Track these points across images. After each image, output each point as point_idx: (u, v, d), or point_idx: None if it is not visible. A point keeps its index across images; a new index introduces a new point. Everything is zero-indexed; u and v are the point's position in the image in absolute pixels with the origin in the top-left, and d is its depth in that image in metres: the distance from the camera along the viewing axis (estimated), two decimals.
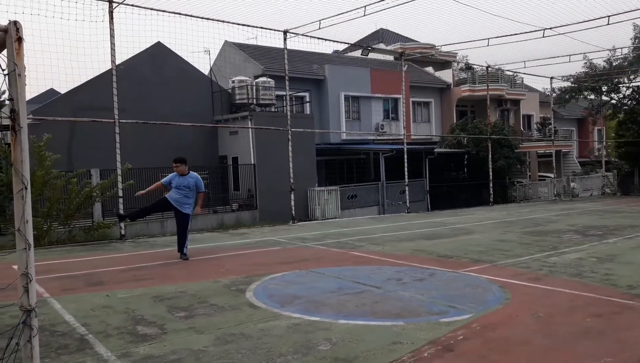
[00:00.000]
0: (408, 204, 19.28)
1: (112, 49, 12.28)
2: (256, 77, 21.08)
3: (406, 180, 19.36)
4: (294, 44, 22.25)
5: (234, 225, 15.80)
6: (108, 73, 12.93)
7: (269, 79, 20.14)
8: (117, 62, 12.66)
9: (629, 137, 25.38)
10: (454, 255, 8.93)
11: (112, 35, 12.25)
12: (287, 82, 16.18)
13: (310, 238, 11.68)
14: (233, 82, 20.04)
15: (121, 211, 11.79)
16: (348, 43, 23.06)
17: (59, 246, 11.16)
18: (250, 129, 18.16)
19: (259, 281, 6.91)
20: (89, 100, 16.26)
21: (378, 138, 25.40)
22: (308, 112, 23.25)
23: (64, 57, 12.27)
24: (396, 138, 24.02)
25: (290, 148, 15.83)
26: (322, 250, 9.88)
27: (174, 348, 4.33)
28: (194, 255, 9.52)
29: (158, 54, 18.94)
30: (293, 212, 15.69)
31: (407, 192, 19.41)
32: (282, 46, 16.04)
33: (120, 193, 12.37)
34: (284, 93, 17.01)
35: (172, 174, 8.98)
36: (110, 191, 12.78)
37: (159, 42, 18.86)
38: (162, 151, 17.67)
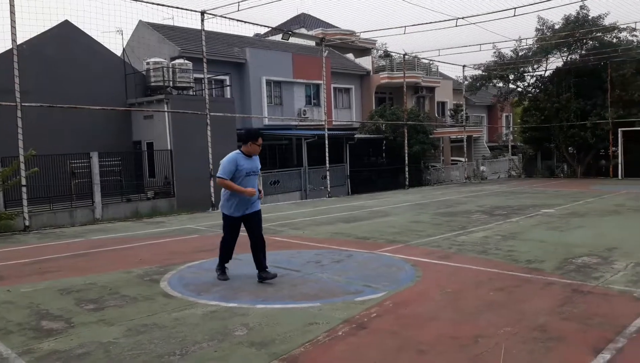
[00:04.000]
0: (329, 189, 19.56)
1: (13, 27, 11.37)
2: (173, 59, 20.28)
3: (327, 165, 19.60)
4: (213, 25, 21.62)
5: (150, 214, 15.24)
6: (9, 53, 11.92)
7: (186, 62, 19.47)
8: (19, 41, 11.71)
9: (533, 123, 27.20)
10: (371, 236, 9.19)
11: (12, 12, 11.33)
12: (205, 65, 15.74)
13: None
14: (148, 64, 19.16)
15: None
16: (268, 26, 22.87)
17: None
18: (166, 113, 17.50)
19: (175, 271, 6.73)
20: None
21: (301, 123, 25.45)
22: (228, 96, 22.79)
23: None
24: (318, 123, 24.18)
25: (209, 133, 15.47)
26: (242, 237, 9.75)
27: (82, 342, 4.13)
28: (104, 245, 9.08)
29: (66, 33, 17.68)
30: (213, 199, 15.40)
31: (328, 177, 19.67)
32: (200, 27, 15.56)
33: (24, 181, 11.53)
34: (202, 76, 16.53)
35: (232, 156, 5.88)
36: (12, 180, 11.86)
37: (66, 21, 17.61)
38: (71, 136, 16.65)
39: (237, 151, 5.99)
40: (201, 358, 3.76)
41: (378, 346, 3.94)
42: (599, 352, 3.70)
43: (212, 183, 15.40)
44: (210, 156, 15.31)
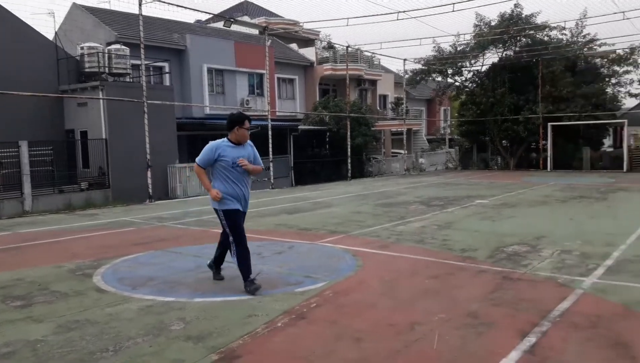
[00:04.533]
0: (272, 181, 19.46)
1: None
2: (109, 44, 19.42)
3: (271, 157, 19.48)
4: (152, 10, 20.86)
5: (83, 206, 14.60)
6: None
7: (123, 47, 18.68)
8: None
9: (469, 117, 28.21)
10: (313, 227, 9.24)
11: None
12: (142, 51, 15.19)
13: (168, 217, 11.25)
14: (82, 48, 18.22)
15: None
16: (210, 13, 22.31)
17: None
18: (101, 101, 16.75)
19: (109, 265, 6.49)
20: None
21: (244, 113, 25.09)
22: (168, 83, 22.11)
23: None
24: (262, 113, 23.92)
25: (146, 122, 14.97)
26: (181, 229, 9.57)
27: (7, 341, 3.92)
28: (33, 239, 8.63)
29: None
30: (150, 190, 14.96)
31: (271, 168, 19.56)
32: (138, 12, 14.98)
33: None
34: (139, 62, 15.94)
35: (214, 143, 5.19)
36: None
37: None
38: None
39: (223, 138, 5.28)
40: (135, 354, 3.65)
41: (317, 335, 3.98)
42: (525, 335, 3.90)
43: (149, 174, 14.95)
44: (147, 145, 14.84)
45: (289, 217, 10.78)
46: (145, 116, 15.00)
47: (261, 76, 25.21)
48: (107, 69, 18.01)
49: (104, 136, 16.77)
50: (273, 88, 25.49)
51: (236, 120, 5.26)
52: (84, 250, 7.54)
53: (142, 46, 15.16)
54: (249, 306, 4.66)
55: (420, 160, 29.52)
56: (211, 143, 5.20)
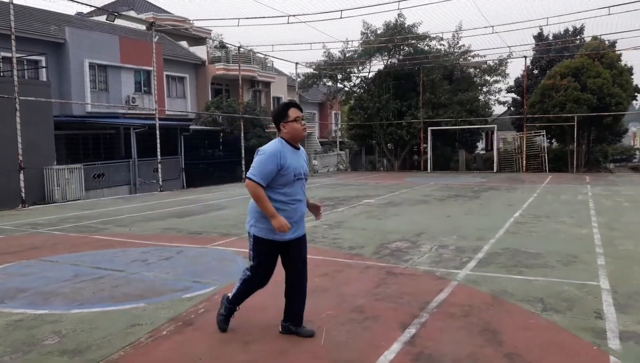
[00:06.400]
0: (161, 183, 18.71)
1: None
2: None
3: (159, 157, 18.73)
4: None
5: None
6: None
7: None
8: None
9: (357, 121, 29.30)
10: (204, 230, 9.04)
11: None
12: (13, 43, 13.83)
13: (44, 223, 10.36)
14: None
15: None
16: (92, 5, 20.88)
17: None
18: None
19: None
20: None
21: (129, 111, 23.79)
22: (45, 79, 20.35)
23: None
24: (149, 112, 22.91)
25: (18, 120, 13.67)
26: (57, 236, 8.86)
27: None
28: None
29: None
30: (23, 194, 13.67)
31: (160, 170, 18.79)
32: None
33: None
34: (11, 55, 14.50)
35: (274, 146, 3.78)
36: None
37: None
38: None
39: (279, 138, 3.85)
40: None
41: (204, 341, 3.90)
42: (406, 327, 4.14)
43: (21, 176, 13.65)
44: (19, 145, 13.56)
45: (178, 221, 10.44)
46: (18, 113, 13.69)
47: (148, 73, 24.12)
48: None
49: None
50: (162, 86, 24.52)
51: (280, 113, 3.86)
52: None
53: (13, 37, 13.82)
54: (132, 316, 4.45)
55: (314, 162, 30.12)
56: (269, 148, 3.76)
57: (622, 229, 8.62)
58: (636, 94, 26.42)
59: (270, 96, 35.25)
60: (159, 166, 18.81)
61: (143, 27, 27.88)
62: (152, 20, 22.53)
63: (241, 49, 25.38)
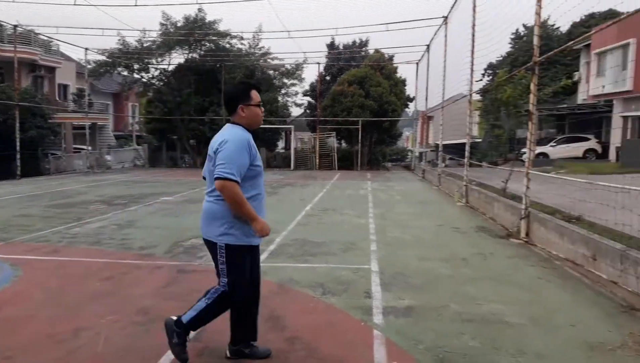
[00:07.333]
0: None
1: None
2: None
3: None
4: None
5: None
6: None
7: None
8: None
9: (157, 114, 28.05)
10: None
11: None
12: None
13: None
14: None
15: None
16: None
17: None
18: None
19: None
20: None
21: None
22: None
23: None
24: None
25: None
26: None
27: None
28: None
29: None
30: None
31: None
32: None
33: None
34: None
35: (240, 134, 3.26)
36: None
37: None
38: None
39: (235, 125, 3.32)
40: None
41: None
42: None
43: None
44: None
45: None
46: None
47: None
48: None
49: None
50: None
51: (240, 94, 3.37)
52: None
53: None
54: None
55: (107, 157, 27.85)
56: (235, 137, 3.19)
57: (392, 219, 9.88)
58: (408, 103, 30.51)
59: (55, 83, 31.51)
60: None
61: None
62: None
63: (18, 28, 22.16)
